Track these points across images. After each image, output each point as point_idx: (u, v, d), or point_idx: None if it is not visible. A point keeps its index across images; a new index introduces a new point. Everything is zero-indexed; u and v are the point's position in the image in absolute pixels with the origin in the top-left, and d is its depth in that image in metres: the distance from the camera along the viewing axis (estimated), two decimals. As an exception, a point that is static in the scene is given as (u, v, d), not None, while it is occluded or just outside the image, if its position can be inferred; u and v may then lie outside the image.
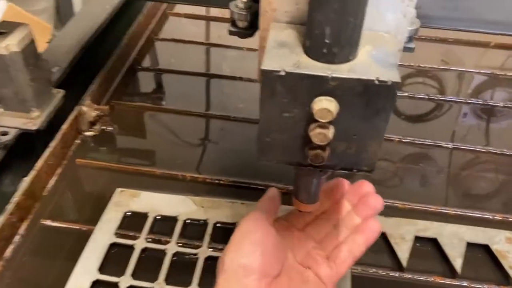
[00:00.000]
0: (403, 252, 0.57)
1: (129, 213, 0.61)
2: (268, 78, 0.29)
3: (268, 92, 0.29)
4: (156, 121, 0.79)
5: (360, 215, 0.46)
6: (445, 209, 0.63)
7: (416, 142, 0.73)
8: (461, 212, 0.63)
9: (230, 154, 0.72)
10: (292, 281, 0.43)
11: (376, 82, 0.28)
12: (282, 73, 0.28)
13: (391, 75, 0.28)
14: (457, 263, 0.56)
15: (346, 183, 0.49)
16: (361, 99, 0.29)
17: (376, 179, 0.68)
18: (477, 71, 0.88)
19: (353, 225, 0.46)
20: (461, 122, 0.80)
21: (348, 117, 0.30)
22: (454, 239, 0.59)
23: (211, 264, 0.56)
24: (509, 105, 0.81)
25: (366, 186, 0.48)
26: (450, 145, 0.73)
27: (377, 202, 0.46)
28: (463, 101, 0.81)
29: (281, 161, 0.34)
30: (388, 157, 0.73)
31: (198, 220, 0.60)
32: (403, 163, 0.72)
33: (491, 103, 0.81)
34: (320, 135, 0.29)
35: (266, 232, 0.42)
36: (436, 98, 0.82)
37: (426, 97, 0.81)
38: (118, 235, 0.58)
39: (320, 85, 0.28)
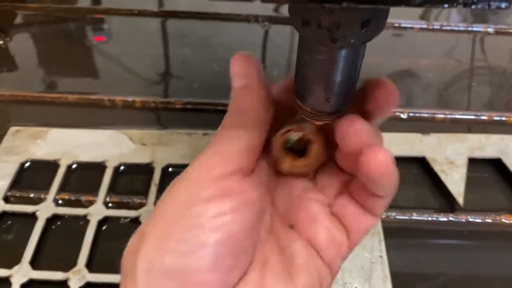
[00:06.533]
0: (456, 183, 0.38)
1: (29, 164, 0.39)
2: None
3: None
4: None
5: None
6: (501, 115, 0.43)
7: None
8: (525, 118, 0.43)
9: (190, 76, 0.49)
10: (267, 264, 0.21)
11: None
12: None
13: None
14: (536, 192, 0.37)
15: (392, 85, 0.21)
16: None
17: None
18: None
19: None
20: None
21: None
22: (527, 157, 0.39)
23: (161, 231, 0.35)
24: None
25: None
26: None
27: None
28: None
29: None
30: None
31: (138, 165, 0.39)
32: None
33: None
34: None
35: (242, 195, 0.20)
36: None
37: None
38: (11, 199, 0.37)
39: None
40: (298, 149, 0.24)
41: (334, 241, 0.22)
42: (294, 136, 0.23)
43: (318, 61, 0.18)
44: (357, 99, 0.22)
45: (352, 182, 0.23)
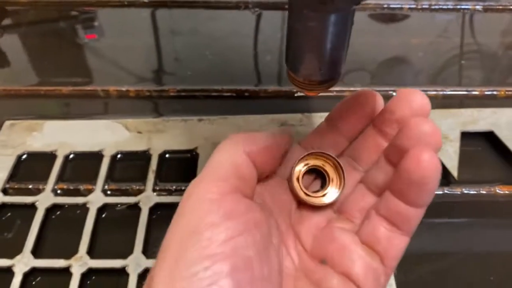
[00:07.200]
0: (450, 157, 0.38)
1: (26, 156, 0.39)
2: None
3: None
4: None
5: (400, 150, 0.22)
6: (492, 90, 0.44)
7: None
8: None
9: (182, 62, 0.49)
10: None
11: None
12: None
13: None
14: (529, 162, 0.38)
15: (378, 96, 0.25)
16: None
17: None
18: None
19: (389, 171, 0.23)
20: None
21: None
22: (519, 128, 0.40)
23: (160, 215, 0.36)
24: None
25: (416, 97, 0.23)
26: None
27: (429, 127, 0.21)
28: None
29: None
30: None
31: (135, 153, 0.39)
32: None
33: None
34: None
35: (246, 209, 0.20)
36: None
37: None
38: (10, 191, 0.37)
39: None
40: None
41: (371, 270, 0.21)
42: (300, 166, 0.24)
43: (308, 29, 0.18)
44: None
45: (382, 200, 0.22)
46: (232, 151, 0.21)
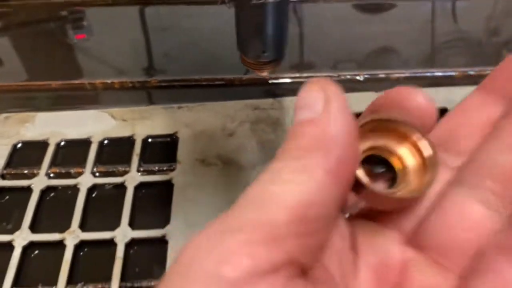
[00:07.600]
0: (407, 132, 0.42)
1: (21, 145, 0.43)
2: None
3: None
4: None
5: None
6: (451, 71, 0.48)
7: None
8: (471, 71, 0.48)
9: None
10: None
11: None
12: None
13: None
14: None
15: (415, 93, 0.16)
16: None
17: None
18: None
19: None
20: None
21: None
22: (470, 104, 0.44)
23: (145, 193, 0.39)
24: None
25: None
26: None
27: None
28: None
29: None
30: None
31: (120, 139, 0.43)
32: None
33: None
34: None
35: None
36: None
37: None
38: (7, 176, 0.41)
39: None
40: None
41: None
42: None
43: (250, 16, 0.22)
44: None
45: None
46: (309, 173, 0.12)
